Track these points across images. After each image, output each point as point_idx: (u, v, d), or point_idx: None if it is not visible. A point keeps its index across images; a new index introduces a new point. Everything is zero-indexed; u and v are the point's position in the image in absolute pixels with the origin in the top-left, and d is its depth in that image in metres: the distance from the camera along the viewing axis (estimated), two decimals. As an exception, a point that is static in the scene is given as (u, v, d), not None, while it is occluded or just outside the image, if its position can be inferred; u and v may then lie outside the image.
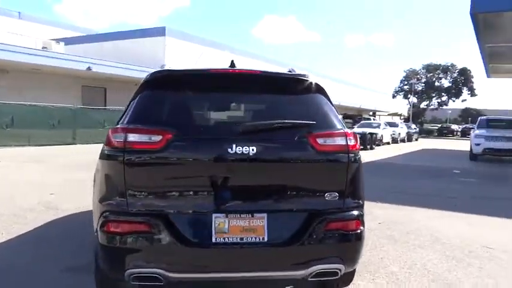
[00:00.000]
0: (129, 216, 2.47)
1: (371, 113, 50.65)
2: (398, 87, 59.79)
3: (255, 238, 2.49)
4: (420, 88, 59.06)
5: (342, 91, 40.66)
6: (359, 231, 2.64)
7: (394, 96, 59.88)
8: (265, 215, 2.52)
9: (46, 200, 6.29)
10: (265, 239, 2.49)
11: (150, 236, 2.44)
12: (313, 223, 2.53)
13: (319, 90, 2.87)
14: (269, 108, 2.80)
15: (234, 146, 2.45)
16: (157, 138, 2.44)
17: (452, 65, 57.53)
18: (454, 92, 57.36)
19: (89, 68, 23.16)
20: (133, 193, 2.47)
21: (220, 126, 2.64)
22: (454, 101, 58.78)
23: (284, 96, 2.83)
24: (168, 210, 2.48)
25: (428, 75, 59.08)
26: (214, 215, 2.48)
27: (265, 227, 2.50)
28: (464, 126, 51.38)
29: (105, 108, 21.08)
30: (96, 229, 2.60)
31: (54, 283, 3.36)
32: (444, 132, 49.14)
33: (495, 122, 17.54)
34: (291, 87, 2.85)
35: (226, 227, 2.47)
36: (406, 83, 58.74)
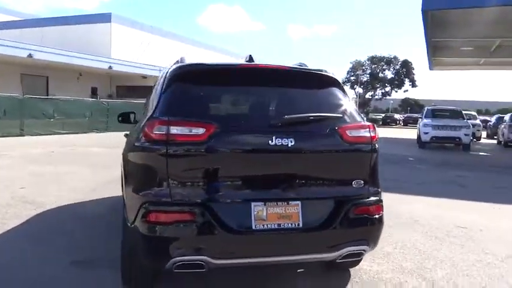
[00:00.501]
0: (174, 206, 2.53)
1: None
2: (345, 78, 62.02)
3: (291, 224, 2.63)
4: (365, 79, 61.56)
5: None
6: (380, 215, 2.87)
7: (340, 87, 61.84)
8: (299, 202, 2.67)
9: (20, 195, 6.03)
10: (300, 225, 2.64)
11: (195, 224, 2.51)
12: (343, 209, 2.72)
13: (338, 84, 3.07)
14: (298, 102, 2.92)
15: (274, 138, 2.57)
16: (200, 130, 2.51)
17: (395, 58, 60.54)
18: (397, 83, 60.40)
19: (30, 55, 21.88)
20: (177, 184, 2.53)
21: (258, 119, 2.73)
22: (396, 91, 61.93)
23: (309, 90, 2.99)
24: (211, 199, 2.56)
25: (373, 67, 61.67)
26: (253, 204, 2.60)
27: (300, 213, 2.65)
28: (406, 115, 53.98)
29: (56, 98, 20.04)
30: (133, 220, 2.63)
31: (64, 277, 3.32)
32: (388, 121, 51.36)
33: (440, 112, 18.84)
34: (314, 82, 3.03)
35: (265, 214, 2.60)
36: (352, 74, 60.98)
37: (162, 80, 3.01)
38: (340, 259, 2.81)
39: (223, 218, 2.52)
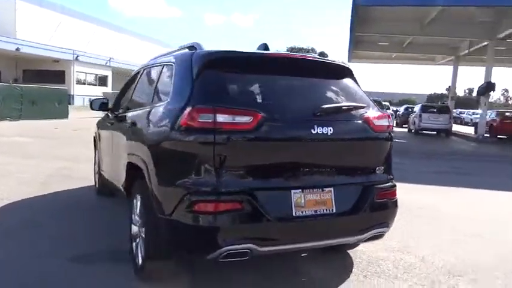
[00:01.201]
0: (221, 196, 2.48)
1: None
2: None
3: (326, 210, 2.72)
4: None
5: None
6: (396, 199, 3.09)
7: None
8: (332, 188, 2.76)
9: None
10: (334, 210, 2.74)
11: (242, 213, 2.49)
12: (369, 194, 2.88)
13: (354, 76, 3.22)
14: (327, 92, 3.00)
15: (315, 126, 2.63)
16: (248, 119, 2.48)
17: (313, 49, 62.99)
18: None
19: None
20: (224, 172, 2.49)
21: (297, 108, 2.74)
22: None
23: (335, 81, 3.10)
24: (256, 187, 2.55)
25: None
26: (292, 191, 2.64)
27: (333, 199, 2.75)
28: None
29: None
30: (171, 211, 2.55)
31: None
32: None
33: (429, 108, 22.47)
34: (338, 73, 3.17)
35: (303, 201, 2.66)
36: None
37: (181, 66, 2.94)
38: (364, 241, 2.98)
39: (267, 206, 2.53)
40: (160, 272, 3.02)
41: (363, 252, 3.77)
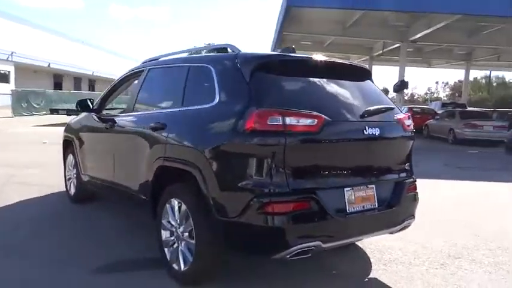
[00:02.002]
0: (290, 196, 2.55)
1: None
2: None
3: (370, 205, 2.91)
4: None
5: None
6: (417, 192, 3.38)
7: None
8: (374, 185, 2.96)
9: None
10: (376, 206, 2.94)
11: (309, 212, 2.58)
12: (401, 189, 3.13)
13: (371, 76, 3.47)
14: (364, 94, 3.17)
15: (366, 127, 2.81)
16: (314, 121, 2.57)
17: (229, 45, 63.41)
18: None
19: None
20: (291, 173, 2.55)
21: (348, 110, 2.86)
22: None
23: (363, 83, 3.29)
24: (319, 186, 2.66)
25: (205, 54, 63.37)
26: (345, 189, 2.79)
27: (375, 195, 2.95)
28: None
29: None
30: (238, 213, 2.56)
31: None
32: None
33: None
34: (364, 75, 3.39)
35: (353, 198, 2.81)
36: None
37: (226, 68, 2.95)
38: (396, 231, 3.22)
39: (328, 204, 2.65)
40: (208, 274, 2.98)
41: (369, 243, 4.04)
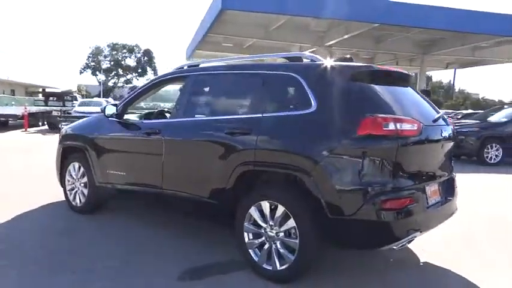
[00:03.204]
0: (402, 193, 2.90)
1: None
2: (85, 63, 58.62)
3: (438, 198, 3.35)
4: (107, 66, 59.81)
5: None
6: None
7: (81, 72, 58.89)
8: (439, 181, 3.42)
9: None
10: (440, 199, 3.40)
11: (414, 206, 2.93)
12: (452, 183, 3.64)
13: None
14: (420, 99, 3.61)
15: (442, 130, 3.27)
16: (415, 126, 2.93)
17: (137, 46, 61.07)
18: (141, 71, 61.19)
19: None
20: (400, 172, 2.90)
21: (424, 115, 3.23)
22: (138, 79, 62.55)
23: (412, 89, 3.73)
24: (417, 184, 3.04)
25: (114, 54, 60.36)
26: (426, 185, 3.19)
27: (440, 190, 3.41)
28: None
29: None
30: (355, 211, 2.81)
31: None
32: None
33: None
34: (412, 82, 3.81)
35: (430, 193, 3.22)
36: (93, 60, 58.28)
37: (319, 78, 3.17)
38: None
39: (423, 199, 3.05)
40: (307, 271, 3.16)
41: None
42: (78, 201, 4.84)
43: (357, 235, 2.93)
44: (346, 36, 20.49)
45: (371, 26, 18.22)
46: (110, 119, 4.46)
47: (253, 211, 3.24)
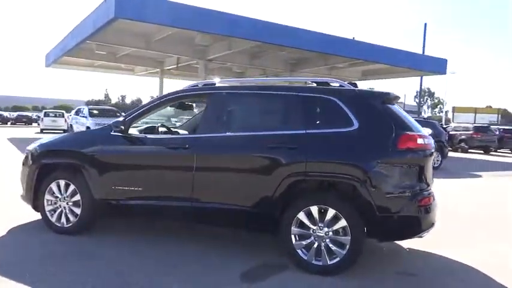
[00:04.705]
0: (427, 192, 3.78)
1: None
2: None
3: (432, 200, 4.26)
4: None
5: None
6: None
7: None
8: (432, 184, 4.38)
9: None
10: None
11: (433, 203, 3.84)
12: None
13: None
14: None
15: (433, 142, 4.21)
16: (428, 140, 3.83)
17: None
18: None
19: None
20: (424, 177, 3.75)
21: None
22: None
23: None
24: (429, 185, 3.91)
25: None
26: (431, 186, 4.07)
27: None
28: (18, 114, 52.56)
29: None
30: (400, 209, 3.56)
31: None
32: None
33: (97, 111, 20.43)
34: None
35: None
36: None
37: (357, 101, 3.86)
38: None
39: (434, 197, 3.95)
40: (355, 262, 3.72)
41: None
42: (64, 221, 4.49)
43: (399, 228, 3.66)
44: (228, 52, 21.47)
45: (253, 44, 19.56)
46: (112, 133, 4.34)
47: (301, 215, 3.69)
